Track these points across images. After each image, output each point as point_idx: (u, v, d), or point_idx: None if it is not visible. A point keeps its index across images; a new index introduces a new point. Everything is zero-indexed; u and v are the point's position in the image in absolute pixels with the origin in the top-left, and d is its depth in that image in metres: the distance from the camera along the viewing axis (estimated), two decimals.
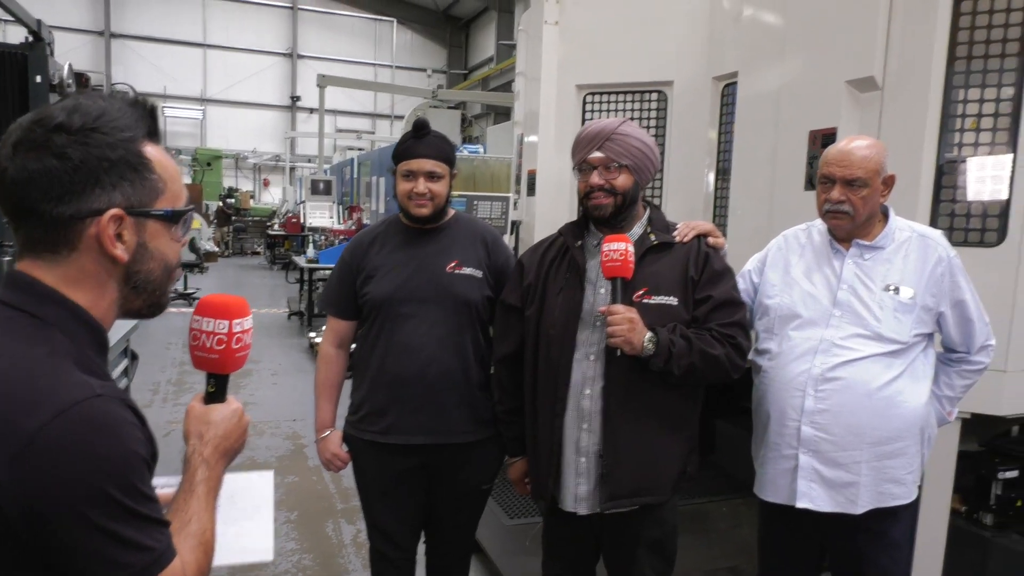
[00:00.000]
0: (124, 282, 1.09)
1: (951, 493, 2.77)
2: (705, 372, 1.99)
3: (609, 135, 2.06)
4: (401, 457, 2.39)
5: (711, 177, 4.03)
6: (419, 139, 2.34)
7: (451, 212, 2.48)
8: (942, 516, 2.75)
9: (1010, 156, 2.62)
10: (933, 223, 2.72)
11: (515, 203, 4.96)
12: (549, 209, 4.31)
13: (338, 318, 2.54)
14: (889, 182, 2.13)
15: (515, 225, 4.81)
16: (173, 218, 1.11)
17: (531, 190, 4.46)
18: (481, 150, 10.94)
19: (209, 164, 21.81)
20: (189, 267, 12.46)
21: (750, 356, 2.26)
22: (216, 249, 18.53)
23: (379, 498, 2.48)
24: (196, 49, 23.77)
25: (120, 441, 0.96)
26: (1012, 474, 2.99)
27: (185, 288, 12.15)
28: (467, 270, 2.38)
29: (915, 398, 2.09)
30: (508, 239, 4.99)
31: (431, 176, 2.33)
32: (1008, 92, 2.60)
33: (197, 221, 15.37)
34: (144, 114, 1.09)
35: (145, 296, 1.12)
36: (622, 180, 2.07)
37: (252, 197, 24.06)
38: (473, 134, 17.25)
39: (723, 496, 3.78)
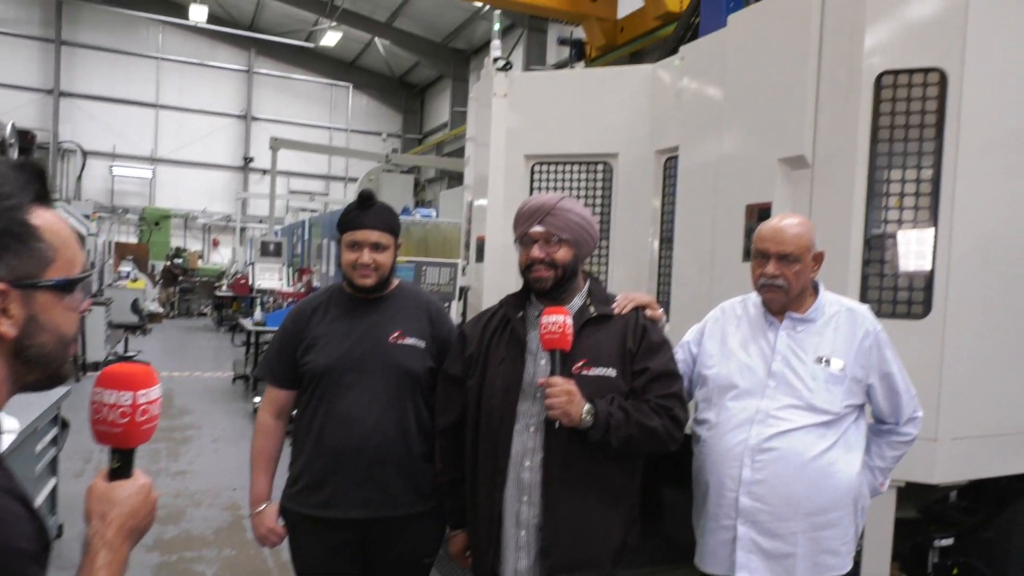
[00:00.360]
0: (14, 357, 1.03)
1: (889, 561, 2.81)
2: (643, 443, 2.02)
3: (550, 210, 2.11)
4: (340, 531, 2.32)
5: (655, 245, 4.14)
6: (364, 210, 2.35)
7: (395, 281, 2.48)
8: None
9: (932, 230, 2.75)
10: (863, 295, 2.84)
11: (464, 269, 4.99)
12: (498, 275, 4.35)
13: (277, 387, 2.50)
14: (819, 258, 2.22)
15: (463, 291, 4.83)
16: (66, 287, 1.05)
17: (480, 256, 4.51)
18: (434, 214, 11.03)
19: (157, 224, 21.50)
20: (131, 329, 12.14)
21: (691, 426, 2.30)
22: (161, 310, 18.11)
23: (317, 574, 2.40)
24: (148, 109, 23.66)
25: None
26: (948, 541, 3.05)
27: (125, 350, 11.79)
28: (410, 340, 2.38)
29: (848, 468, 2.14)
30: (456, 305, 5.00)
31: (376, 247, 2.33)
32: (927, 173, 2.75)
33: (141, 281, 15.07)
34: (32, 177, 1.03)
35: (40, 370, 1.06)
36: (562, 253, 2.11)
37: (201, 257, 23.69)
38: (426, 198, 17.43)
39: (669, 565, 3.74)
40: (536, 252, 2.11)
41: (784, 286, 2.15)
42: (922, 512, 3.30)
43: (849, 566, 2.18)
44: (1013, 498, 3.10)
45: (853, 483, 2.15)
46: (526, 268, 2.15)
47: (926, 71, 2.72)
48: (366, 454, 2.29)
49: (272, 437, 2.49)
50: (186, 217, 24.09)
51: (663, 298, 4.01)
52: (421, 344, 2.39)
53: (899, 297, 2.81)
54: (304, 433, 2.40)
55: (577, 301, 2.18)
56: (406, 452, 2.34)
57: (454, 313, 5.04)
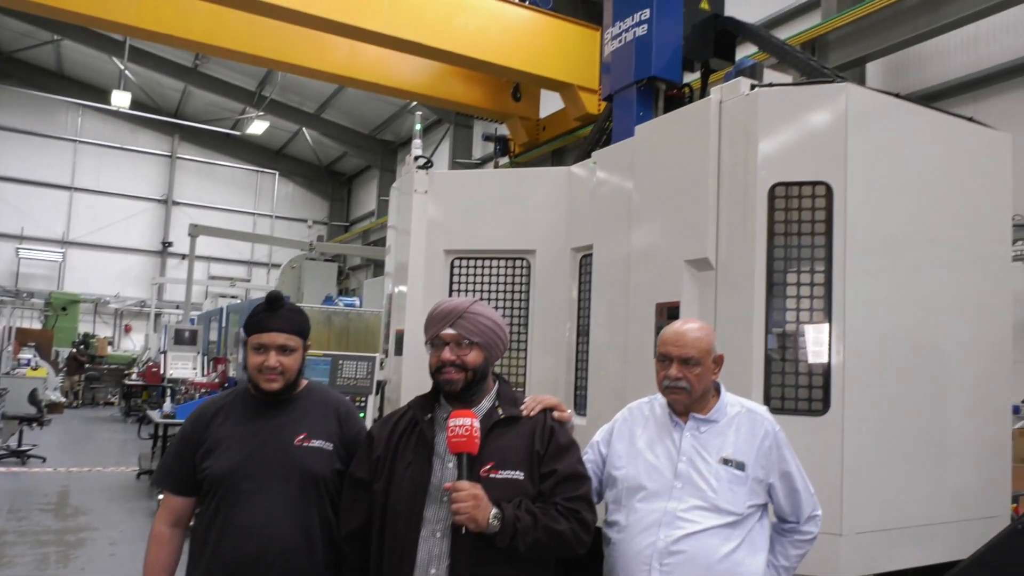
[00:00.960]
0: None
1: None
2: (551, 548, 2.00)
3: (461, 313, 2.15)
4: None
5: (573, 337, 4.21)
6: (272, 312, 2.32)
7: (304, 382, 2.44)
8: None
9: (827, 328, 2.91)
10: (767, 392, 2.95)
11: (382, 363, 4.95)
12: (417, 368, 4.32)
13: (175, 495, 2.39)
14: (719, 361, 2.32)
15: (380, 385, 4.77)
16: None
17: (399, 350, 4.49)
18: (357, 302, 10.95)
19: (64, 309, 20.57)
20: (28, 421, 11.38)
21: (602, 527, 2.30)
22: (63, 399, 17.08)
23: None
24: (62, 191, 23.01)
25: None
26: None
27: (19, 445, 11.04)
28: (316, 443, 2.31)
29: (753, 569, 2.17)
30: (373, 399, 4.93)
31: (283, 350, 2.29)
32: (820, 277, 2.93)
33: (43, 369, 14.25)
34: None
35: None
36: (473, 356, 2.14)
37: (111, 343, 22.68)
38: (350, 286, 17.33)
39: None
40: (447, 355, 2.13)
41: (687, 388, 2.22)
42: None
43: None
44: None
45: None
46: (436, 370, 2.15)
47: (813, 184, 2.94)
48: (266, 566, 2.18)
49: (167, 548, 2.35)
50: (96, 302, 23.16)
51: (580, 389, 4.07)
52: (328, 446, 2.32)
53: (800, 394, 2.93)
54: (200, 544, 2.27)
55: (486, 403, 2.19)
56: (309, 562, 2.24)
57: (371, 408, 4.96)
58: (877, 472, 2.92)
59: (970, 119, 3.46)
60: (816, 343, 2.91)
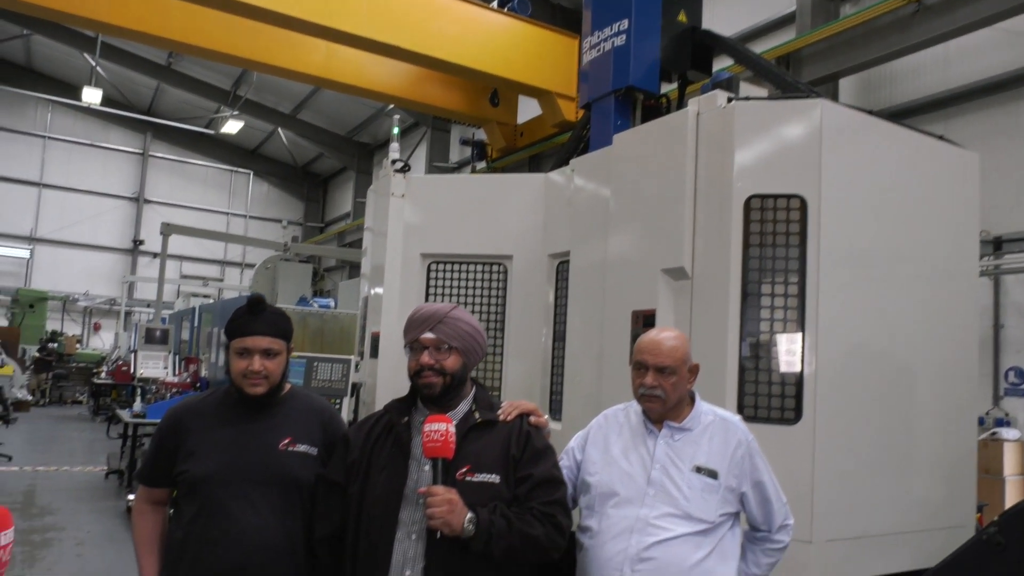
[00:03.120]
0: None
1: None
2: (525, 553, 2.02)
3: (441, 318, 2.17)
4: None
5: (549, 342, 4.23)
6: (254, 315, 2.29)
7: (287, 386, 2.42)
8: None
9: (800, 338, 2.95)
10: (740, 401, 2.98)
11: (357, 365, 4.93)
12: (393, 371, 4.32)
13: (152, 488, 2.39)
14: (694, 370, 2.34)
15: (356, 388, 4.75)
16: None
17: (374, 352, 4.48)
18: (332, 304, 10.88)
19: (32, 306, 20.17)
20: None
21: (576, 533, 2.32)
22: (30, 398, 16.77)
23: None
24: (30, 188, 22.60)
25: None
26: None
27: None
28: (301, 447, 2.29)
29: None
30: (348, 402, 4.91)
31: (267, 354, 2.27)
32: (794, 288, 2.97)
33: (9, 367, 13.99)
34: None
35: None
36: (451, 361, 2.15)
37: (79, 342, 22.27)
38: (325, 287, 17.18)
39: None
40: (426, 359, 2.14)
41: (662, 396, 2.25)
42: None
43: None
44: None
45: None
46: (415, 374, 2.16)
47: (788, 197, 2.98)
48: (248, 574, 2.16)
49: (151, 518, 2.36)
50: (65, 300, 22.76)
51: (556, 394, 4.08)
52: (313, 451, 2.31)
53: (773, 403, 2.97)
54: (178, 552, 2.24)
55: (463, 407, 2.20)
56: (294, 568, 2.22)
57: (345, 411, 4.93)
58: (847, 480, 2.97)
59: (940, 137, 3.55)
60: (789, 352, 2.95)
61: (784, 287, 2.98)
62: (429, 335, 2.15)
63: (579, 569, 2.30)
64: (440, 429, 2.00)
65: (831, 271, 2.96)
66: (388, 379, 4.30)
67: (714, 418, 2.33)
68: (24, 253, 22.37)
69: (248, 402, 2.31)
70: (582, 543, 2.29)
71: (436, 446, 2.00)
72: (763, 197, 3.01)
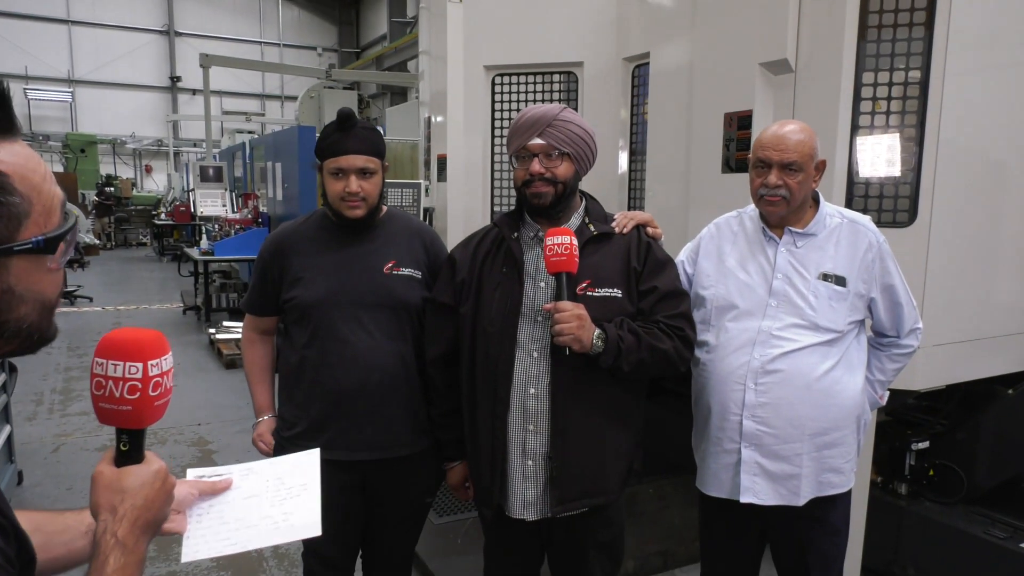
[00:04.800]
0: None
1: (870, 466, 2.87)
2: (654, 367, 1.94)
3: (550, 121, 1.96)
4: (341, 474, 2.20)
5: (624, 158, 4.01)
6: (346, 132, 2.13)
7: (384, 208, 2.30)
8: (863, 489, 2.84)
9: (918, 134, 2.68)
10: (848, 205, 2.78)
11: (427, 189, 4.80)
12: (461, 194, 4.19)
13: (260, 316, 2.39)
14: (821, 167, 2.12)
15: (428, 212, 4.65)
16: (47, 247, 0.84)
17: (442, 175, 4.32)
18: (380, 131, 10.62)
19: (83, 151, 20.32)
20: (68, 263, 11.56)
21: None
22: (97, 242, 17.35)
23: None
24: (60, 25, 22.02)
25: None
26: (924, 445, 3.11)
27: (65, 286, 11.29)
28: (406, 271, 2.22)
29: (851, 387, 2.11)
30: (432, 228, 4.82)
31: (363, 173, 2.14)
32: (915, 73, 2.66)
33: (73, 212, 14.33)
34: None
35: (20, 340, 0.87)
36: (563, 169, 1.98)
37: (134, 185, 22.63)
38: (371, 115, 16.80)
39: (650, 478, 3.79)
40: (536, 167, 1.96)
41: (786, 196, 2.04)
42: (890, 415, 3.38)
43: (851, 483, 2.17)
44: (979, 400, 3.18)
45: (857, 401, 2.12)
46: (524, 184, 2.00)
47: None
48: (367, 394, 2.16)
49: (261, 347, 2.41)
50: (114, 143, 22.89)
51: None
52: (417, 274, 2.24)
53: (884, 205, 2.76)
54: (296, 374, 2.25)
55: (575, 220, 2.06)
56: (408, 390, 2.21)
57: None
58: (959, 284, 2.81)
59: None
60: (906, 150, 2.70)
61: (904, 74, 2.66)
62: (538, 141, 1.96)
63: (696, 384, 2.24)
64: (564, 242, 1.86)
65: (959, 55, 2.62)
66: (457, 202, 4.18)
67: (841, 220, 2.13)
68: (66, 96, 22.25)
69: (348, 225, 2.21)
70: (698, 358, 2.20)
71: (561, 260, 1.86)
72: None
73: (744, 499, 2.11)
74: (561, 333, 1.84)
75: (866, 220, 2.17)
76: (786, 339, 2.06)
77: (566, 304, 1.85)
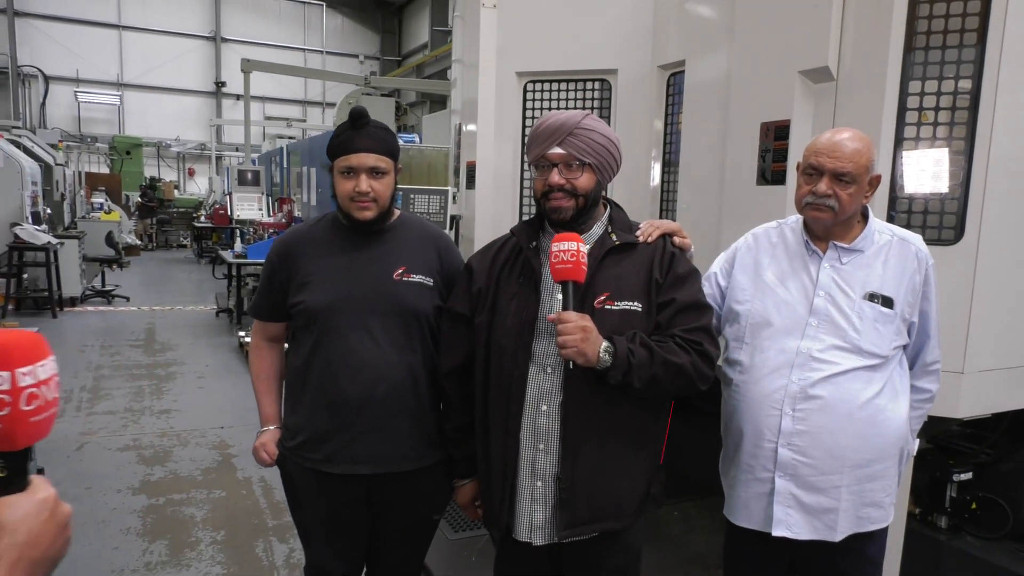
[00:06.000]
0: None
1: (908, 496, 2.71)
2: (669, 383, 1.80)
3: (571, 129, 1.85)
4: (345, 487, 2.13)
5: (657, 169, 3.90)
6: (358, 130, 2.05)
7: (396, 212, 2.23)
8: (900, 521, 2.68)
9: (967, 148, 2.54)
10: (890, 220, 2.64)
11: (454, 196, 4.74)
12: (490, 202, 4.12)
13: (268, 322, 2.32)
14: (875, 182, 1.98)
15: (455, 220, 4.59)
16: None
17: (471, 183, 4.25)
18: (417, 139, 10.64)
19: (128, 153, 20.75)
20: (108, 263, 11.79)
21: (719, 366, 2.11)
22: (138, 242, 17.68)
23: (319, 533, 2.22)
24: (111, 31, 22.57)
25: None
26: (966, 476, 2.94)
27: (103, 285, 11.51)
28: (416, 277, 2.14)
29: (896, 415, 1.96)
30: (447, 234, 4.77)
31: (374, 172, 2.06)
32: (965, 84, 2.52)
33: (116, 213, 14.62)
34: None
35: None
36: (584, 180, 1.87)
37: (176, 187, 23.07)
38: (408, 123, 16.87)
39: (673, 500, 3.66)
40: (555, 178, 1.86)
41: (835, 207, 1.91)
42: (931, 442, 3.21)
43: (891, 517, 2.03)
44: None
45: (902, 431, 1.97)
46: (543, 195, 1.90)
47: None
48: (373, 405, 2.07)
49: (269, 355, 2.33)
50: (158, 145, 23.37)
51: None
52: (429, 281, 2.15)
53: (929, 221, 2.62)
54: (300, 382, 2.17)
55: (597, 229, 1.95)
56: (416, 401, 2.12)
57: None
58: (1008, 305, 2.65)
59: None
60: (954, 164, 2.55)
61: (954, 84, 2.52)
62: (558, 150, 1.85)
63: (727, 405, 2.11)
64: (569, 249, 1.74)
65: (1015, 66, 2.47)
66: (486, 210, 4.10)
67: (892, 237, 1.99)
68: (114, 99, 22.78)
69: (358, 228, 2.13)
70: (731, 378, 2.07)
71: (566, 268, 1.74)
72: None
73: (776, 532, 1.97)
74: (564, 345, 1.73)
75: (917, 239, 2.02)
76: (827, 362, 1.92)
77: (570, 315, 1.74)
